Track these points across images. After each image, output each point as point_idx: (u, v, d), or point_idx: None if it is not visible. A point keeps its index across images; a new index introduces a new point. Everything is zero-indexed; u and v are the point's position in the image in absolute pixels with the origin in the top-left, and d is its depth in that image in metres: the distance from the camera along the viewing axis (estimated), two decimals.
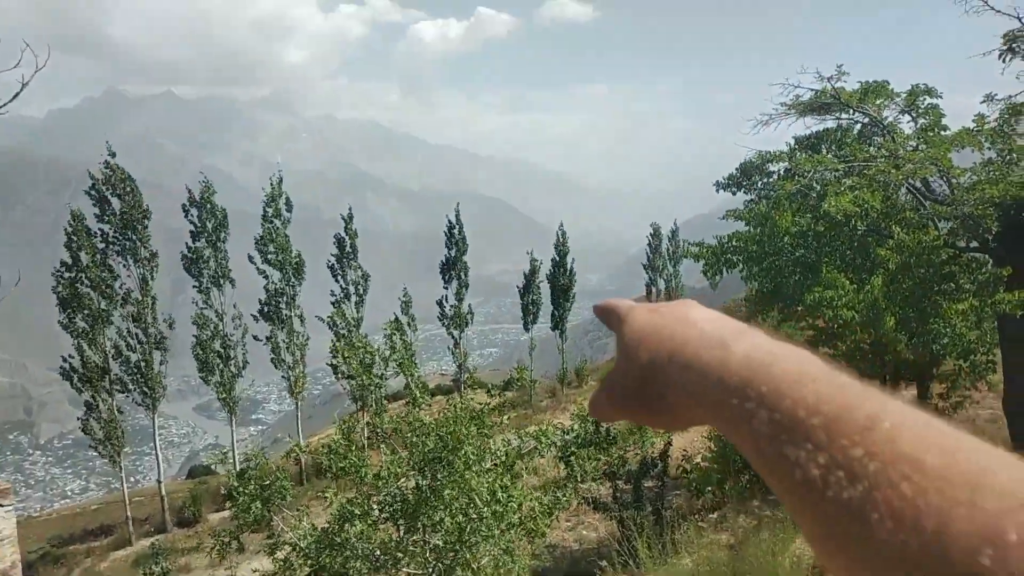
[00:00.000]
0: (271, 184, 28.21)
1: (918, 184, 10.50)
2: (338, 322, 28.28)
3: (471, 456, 6.37)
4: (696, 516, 9.80)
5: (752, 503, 9.02)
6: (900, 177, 9.72)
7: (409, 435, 6.74)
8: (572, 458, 11.03)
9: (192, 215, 26.51)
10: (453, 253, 33.56)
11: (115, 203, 24.33)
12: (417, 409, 6.99)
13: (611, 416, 0.49)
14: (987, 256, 9.65)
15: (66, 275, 23.18)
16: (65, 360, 23.22)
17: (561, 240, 36.60)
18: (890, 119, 11.71)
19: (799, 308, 10.92)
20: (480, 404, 6.96)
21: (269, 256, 27.81)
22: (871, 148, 11.29)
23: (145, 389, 24.29)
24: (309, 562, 6.85)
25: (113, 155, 24.53)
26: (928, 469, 0.29)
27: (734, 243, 11.47)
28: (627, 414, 0.48)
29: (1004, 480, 0.28)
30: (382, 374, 8.47)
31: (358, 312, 29.49)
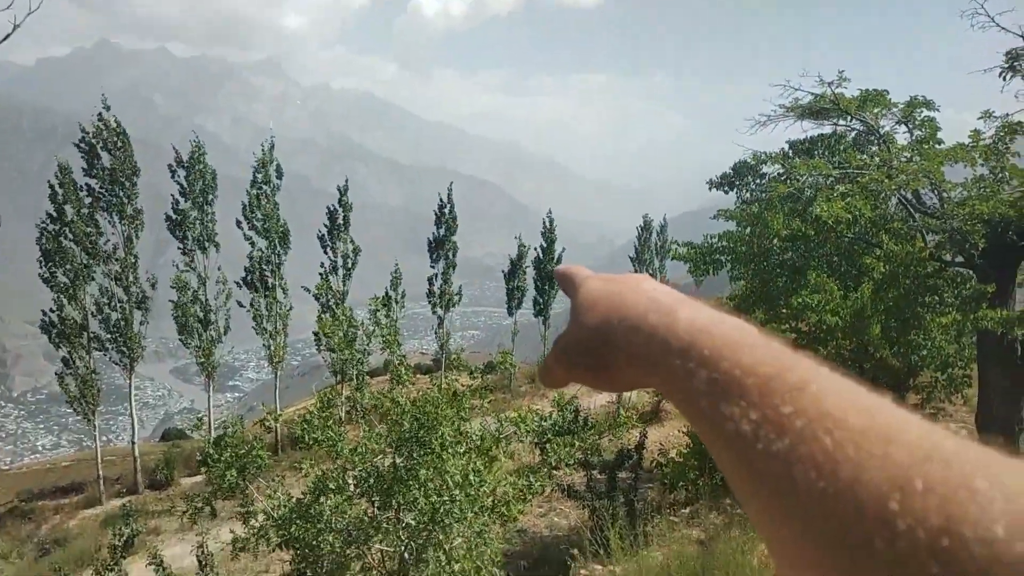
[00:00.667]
0: (262, 149, 27.81)
1: (909, 195, 10.56)
2: (325, 294, 28.10)
3: (447, 437, 6.37)
4: (668, 510, 9.90)
5: (725, 501, 9.12)
6: (892, 187, 9.78)
7: (390, 412, 6.74)
8: (548, 445, 11.11)
9: (179, 176, 26.09)
10: (442, 232, 33.30)
11: (104, 158, 23.93)
12: (400, 386, 6.98)
13: (560, 379, 0.52)
14: (972, 272, 9.76)
15: (50, 228, 22.83)
16: (45, 314, 22.91)
17: (549, 227, 36.50)
18: (886, 129, 11.75)
19: (784, 310, 11.00)
20: (462, 386, 6.96)
21: (256, 223, 27.53)
22: (865, 156, 11.33)
23: (123, 348, 24.04)
24: (281, 532, 6.85)
25: (107, 108, 24.08)
26: (848, 426, 0.32)
27: (723, 243, 11.51)
28: (575, 375, 0.50)
29: (914, 436, 0.31)
30: (365, 349, 8.44)
31: (344, 285, 29.33)
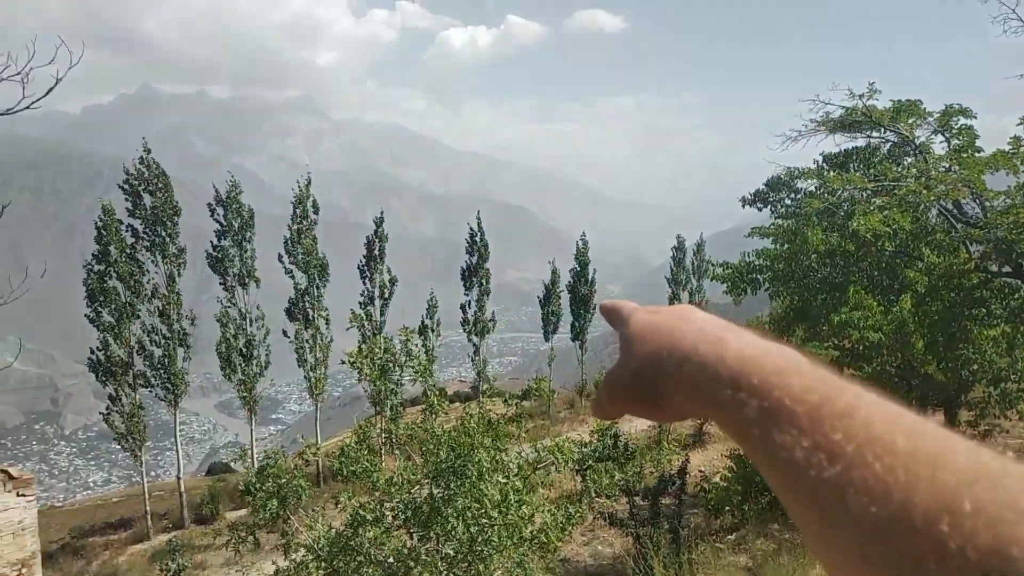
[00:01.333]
0: (299, 186, 28.44)
1: (950, 206, 10.31)
2: (365, 324, 28.38)
3: (484, 463, 6.32)
4: (714, 536, 9.66)
5: (772, 526, 8.87)
6: (931, 198, 9.56)
7: (425, 443, 6.72)
8: (588, 472, 10.96)
9: (218, 214, 26.82)
10: (475, 260, 33.57)
11: (147, 199, 24.69)
12: (433, 416, 6.96)
13: (612, 411, 0.52)
14: (1020, 282, 9.45)
15: (96, 268, 23.54)
16: (92, 352, 23.53)
17: (582, 250, 36.45)
18: (922, 139, 11.52)
19: (825, 328, 10.76)
20: (497, 415, 6.91)
21: (296, 257, 28.04)
22: (900, 168, 11.11)
23: (168, 384, 24.55)
24: (323, 565, 6.84)
25: (148, 151, 24.91)
26: (897, 450, 0.33)
27: (760, 261, 11.33)
28: (626, 407, 0.51)
29: (962, 459, 0.32)
30: (398, 380, 8.44)
31: (382, 315, 29.59)
